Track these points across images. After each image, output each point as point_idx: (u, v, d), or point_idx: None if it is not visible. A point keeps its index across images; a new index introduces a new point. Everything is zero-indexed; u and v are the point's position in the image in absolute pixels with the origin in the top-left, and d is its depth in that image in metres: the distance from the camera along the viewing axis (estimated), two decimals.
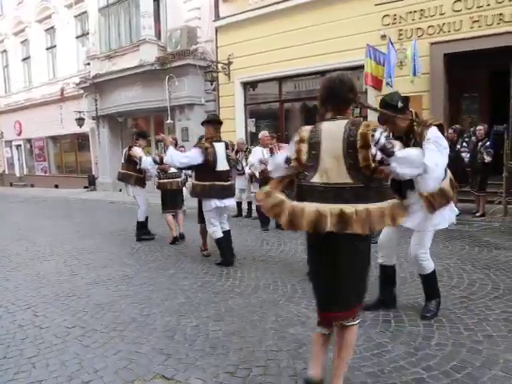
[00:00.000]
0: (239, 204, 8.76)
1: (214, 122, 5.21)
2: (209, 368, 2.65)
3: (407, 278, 4.25)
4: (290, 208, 2.15)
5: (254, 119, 12.46)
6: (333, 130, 2.14)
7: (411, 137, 3.08)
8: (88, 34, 15.99)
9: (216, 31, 12.31)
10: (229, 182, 5.13)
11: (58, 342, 3.14)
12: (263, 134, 7.76)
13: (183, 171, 6.51)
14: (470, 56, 8.53)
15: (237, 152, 8.79)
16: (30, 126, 20.09)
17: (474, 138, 7.54)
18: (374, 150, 2.05)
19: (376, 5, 9.39)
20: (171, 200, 6.58)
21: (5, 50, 21.73)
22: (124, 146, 6.72)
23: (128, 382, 2.55)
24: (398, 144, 2.16)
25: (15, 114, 21.18)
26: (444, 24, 8.74)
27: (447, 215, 3.27)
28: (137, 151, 6.58)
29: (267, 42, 10.99)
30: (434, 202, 3.06)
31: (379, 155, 2.07)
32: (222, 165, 5.03)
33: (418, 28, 9.03)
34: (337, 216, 2.02)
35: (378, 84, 8.68)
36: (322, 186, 2.10)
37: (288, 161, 2.28)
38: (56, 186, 19.23)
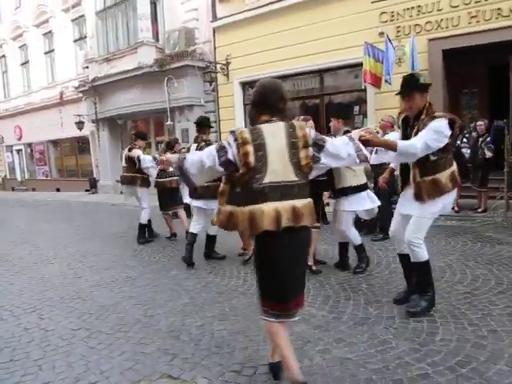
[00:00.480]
0: None
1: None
2: (214, 367, 2.67)
3: None
4: (247, 213, 2.22)
5: None
6: (274, 132, 2.26)
7: (415, 123, 3.16)
8: (86, 37, 16.02)
9: (214, 32, 12.31)
10: None
11: (64, 344, 3.15)
12: None
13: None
14: (469, 51, 8.52)
15: None
16: (30, 130, 20.11)
17: (474, 134, 7.54)
18: (310, 148, 2.26)
19: (373, 2, 9.39)
20: (171, 200, 6.64)
21: (3, 55, 21.75)
22: (124, 148, 6.70)
23: (134, 382, 2.57)
24: (327, 138, 2.38)
25: (15, 119, 21.21)
26: (442, 20, 8.74)
27: (448, 203, 3.27)
28: (136, 152, 6.52)
29: (265, 41, 11.00)
30: (423, 190, 3.11)
31: (311, 151, 2.27)
32: None
33: (415, 24, 9.02)
34: (291, 211, 2.20)
35: (377, 81, 8.68)
36: (272, 185, 2.21)
37: (224, 164, 2.29)
38: (57, 190, 19.26)
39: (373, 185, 6.21)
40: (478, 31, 8.30)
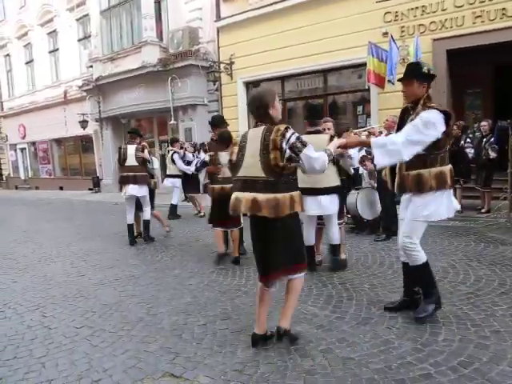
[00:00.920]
0: None
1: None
2: (217, 366, 2.67)
3: None
4: (232, 199, 2.81)
5: None
6: (255, 135, 2.73)
7: (412, 113, 3.08)
8: (90, 36, 16.08)
9: (217, 31, 12.34)
10: None
11: (67, 342, 3.17)
12: None
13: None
14: (473, 52, 8.50)
15: None
16: (34, 129, 20.21)
17: (478, 134, 7.52)
18: (285, 147, 2.59)
19: (377, 2, 9.39)
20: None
21: (8, 54, 21.89)
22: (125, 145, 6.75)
23: (137, 380, 2.58)
24: (310, 146, 2.65)
25: (19, 118, 21.32)
26: (446, 20, 8.73)
27: (442, 209, 3.06)
28: (147, 153, 6.55)
29: (269, 41, 11.01)
30: (405, 182, 3.02)
31: (288, 152, 2.60)
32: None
33: (420, 24, 9.02)
34: (251, 202, 2.65)
35: (380, 81, 8.67)
36: (243, 179, 2.75)
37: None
38: (61, 188, 19.34)
39: (376, 185, 6.22)
40: (483, 31, 8.29)
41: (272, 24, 10.99)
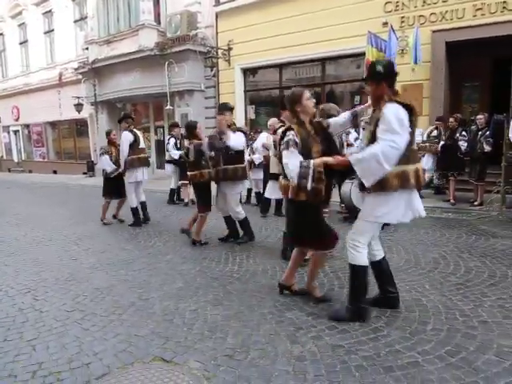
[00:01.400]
0: None
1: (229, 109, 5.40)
2: (207, 351, 2.69)
3: (403, 265, 4.29)
4: None
5: (253, 106, 12.40)
6: None
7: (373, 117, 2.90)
8: (86, 18, 15.81)
9: (216, 16, 12.17)
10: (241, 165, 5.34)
11: (58, 325, 3.17)
12: (273, 121, 7.89)
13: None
14: (472, 44, 8.46)
15: None
16: (27, 111, 19.94)
17: (474, 128, 7.52)
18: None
19: None
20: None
21: (1, 33, 21.46)
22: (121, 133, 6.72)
23: (127, 364, 2.59)
24: (293, 149, 3.05)
25: (12, 99, 21.01)
26: (447, 12, 8.66)
27: (398, 212, 2.86)
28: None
29: (268, 28, 10.88)
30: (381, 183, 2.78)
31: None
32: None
33: (420, 15, 8.94)
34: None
35: None
36: None
37: None
38: (54, 172, 19.20)
39: None
40: (483, 24, 8.24)
41: (271, 10, 10.85)
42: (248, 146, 8.07)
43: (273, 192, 6.07)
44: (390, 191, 2.80)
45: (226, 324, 3.07)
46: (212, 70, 12.38)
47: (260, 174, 7.75)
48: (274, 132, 8.65)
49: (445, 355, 2.52)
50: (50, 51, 18.75)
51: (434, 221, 6.35)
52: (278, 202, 6.87)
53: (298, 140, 3.07)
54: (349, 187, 6.25)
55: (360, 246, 2.97)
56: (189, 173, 5.39)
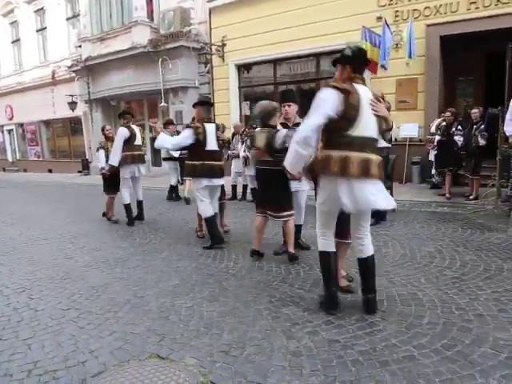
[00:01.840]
0: (234, 187, 8.76)
1: (205, 104, 5.29)
2: (203, 347, 2.68)
3: (398, 259, 4.29)
4: None
5: (248, 102, 12.36)
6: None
7: None
8: (79, 15, 15.68)
9: (209, 12, 12.11)
10: (219, 162, 5.17)
11: (54, 323, 3.15)
12: (237, 125, 7.96)
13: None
14: (467, 38, 8.47)
15: (233, 135, 8.83)
16: (21, 110, 19.81)
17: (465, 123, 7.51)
18: None
19: None
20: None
21: None
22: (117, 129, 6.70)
23: (123, 361, 2.58)
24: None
25: (6, 98, 20.86)
26: (441, 5, 8.65)
27: (343, 199, 2.75)
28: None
29: (261, 23, 10.84)
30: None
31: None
32: (212, 145, 5.09)
33: (414, 9, 8.94)
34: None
35: (373, 67, 8.61)
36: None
37: None
38: (49, 171, 19.10)
39: None
40: (477, 18, 8.24)
41: (265, 6, 10.80)
42: (243, 142, 8.04)
43: None
44: (325, 176, 2.87)
45: (221, 320, 3.06)
46: (206, 67, 12.33)
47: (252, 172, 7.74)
48: (241, 134, 8.71)
49: (441, 349, 2.53)
50: (42, 49, 18.62)
51: (429, 215, 6.36)
52: None
53: None
54: None
55: (320, 231, 3.07)
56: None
